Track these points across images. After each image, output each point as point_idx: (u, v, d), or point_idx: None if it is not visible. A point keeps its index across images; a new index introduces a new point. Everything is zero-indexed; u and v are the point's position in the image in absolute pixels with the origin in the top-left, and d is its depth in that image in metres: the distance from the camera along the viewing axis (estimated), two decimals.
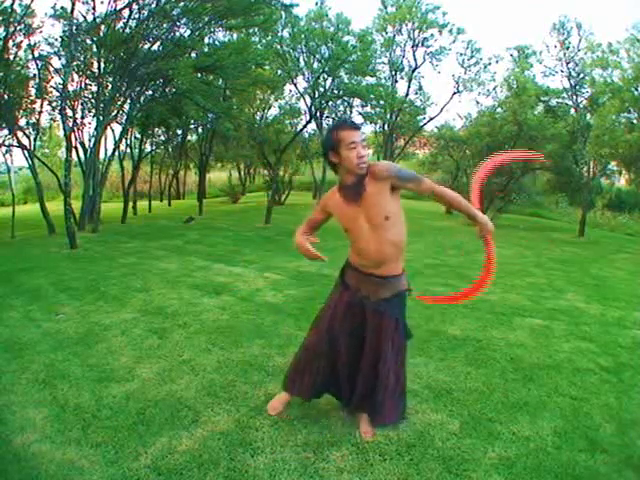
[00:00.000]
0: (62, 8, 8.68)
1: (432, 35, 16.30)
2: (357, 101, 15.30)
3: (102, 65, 8.91)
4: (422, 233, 9.22)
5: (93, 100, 9.45)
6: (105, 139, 12.28)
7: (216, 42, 10.48)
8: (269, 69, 12.51)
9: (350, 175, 1.76)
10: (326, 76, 12.57)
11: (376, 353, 1.86)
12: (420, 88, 17.50)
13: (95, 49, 8.86)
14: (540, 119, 11.19)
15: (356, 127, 1.74)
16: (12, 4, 7.44)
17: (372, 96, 12.86)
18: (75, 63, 8.63)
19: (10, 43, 8.11)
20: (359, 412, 1.99)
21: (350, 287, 1.91)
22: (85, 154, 10.21)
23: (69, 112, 8.94)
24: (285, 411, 2.11)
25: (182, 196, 20.08)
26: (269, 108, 16.78)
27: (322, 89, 13.04)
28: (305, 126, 14.06)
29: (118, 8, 8.09)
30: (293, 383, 2.07)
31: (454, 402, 2.27)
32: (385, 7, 16.61)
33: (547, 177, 13.75)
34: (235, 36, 10.67)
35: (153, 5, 8.02)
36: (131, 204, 12.27)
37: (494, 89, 14.99)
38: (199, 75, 9.74)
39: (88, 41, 8.66)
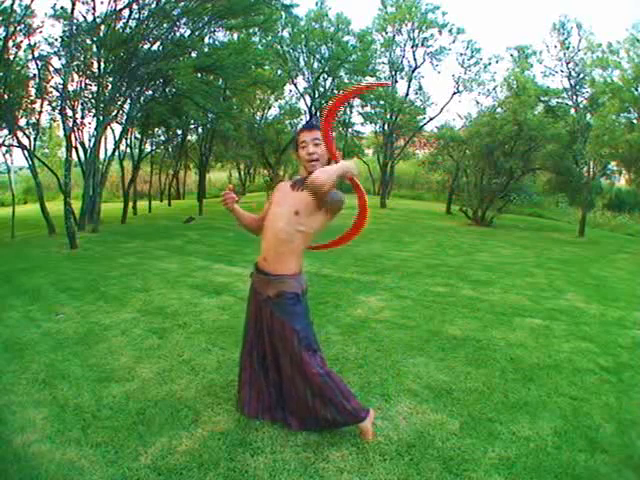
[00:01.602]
0: (62, 8, 8.69)
1: (432, 35, 16.27)
2: (357, 101, 15.31)
3: (102, 65, 8.90)
4: (422, 233, 9.22)
5: (93, 100, 9.44)
6: (105, 139, 12.28)
7: (216, 42, 10.51)
8: (269, 69, 12.52)
9: (304, 170, 1.88)
10: (326, 76, 12.60)
11: (291, 356, 1.87)
12: (420, 88, 17.48)
13: (95, 49, 8.85)
14: (540, 119, 11.19)
15: (309, 127, 1.86)
16: (12, 4, 7.43)
17: (372, 96, 12.87)
18: (75, 63, 8.64)
19: (10, 43, 8.08)
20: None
21: (255, 289, 1.98)
22: (85, 154, 10.19)
23: (69, 112, 8.92)
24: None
25: (182, 196, 20.08)
26: (269, 108, 16.81)
27: (322, 89, 13.06)
28: None
29: (118, 8, 8.10)
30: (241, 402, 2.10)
31: (454, 402, 2.27)
32: (385, 7, 16.60)
33: (547, 177, 13.76)
34: (235, 36, 10.68)
35: (153, 5, 8.03)
36: (131, 204, 12.26)
37: (494, 89, 15.00)
38: (199, 75, 9.75)
39: (88, 41, 8.66)
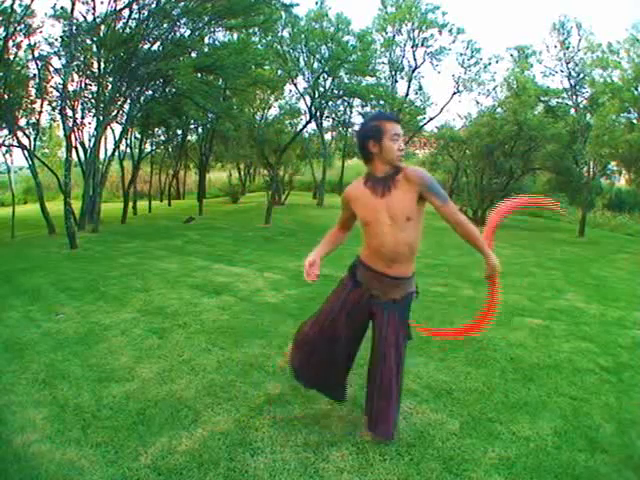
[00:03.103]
0: (62, 8, 8.70)
1: (432, 35, 16.32)
2: (357, 101, 15.31)
3: (102, 65, 8.91)
4: (422, 233, 9.20)
5: (93, 100, 9.45)
6: (105, 139, 12.28)
7: (216, 42, 10.50)
8: (269, 69, 12.51)
9: (386, 166, 1.78)
10: (326, 76, 12.60)
11: (381, 354, 1.86)
12: (420, 88, 17.52)
13: (95, 49, 8.86)
14: (540, 119, 11.20)
15: (399, 121, 1.83)
16: (12, 4, 7.43)
17: (372, 96, 12.87)
18: (75, 63, 8.62)
19: (10, 43, 8.09)
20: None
21: (361, 285, 1.89)
22: (85, 154, 10.20)
23: (69, 112, 8.91)
24: (285, 411, 2.11)
25: (182, 196, 20.06)
26: (269, 108, 16.78)
27: (322, 89, 13.06)
28: (305, 126, 14.07)
29: (118, 8, 8.10)
30: (298, 369, 2.06)
31: (454, 402, 2.27)
32: (385, 7, 16.62)
33: (547, 177, 13.76)
34: (235, 36, 10.67)
35: (153, 5, 8.02)
36: (131, 204, 12.25)
37: (494, 89, 15.05)
38: (199, 75, 9.74)
39: (88, 41, 8.66)
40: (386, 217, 1.75)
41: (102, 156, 11.01)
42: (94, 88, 9.38)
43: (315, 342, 1.97)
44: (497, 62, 15.75)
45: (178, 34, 8.92)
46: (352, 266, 1.96)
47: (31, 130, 10.16)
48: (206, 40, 10.29)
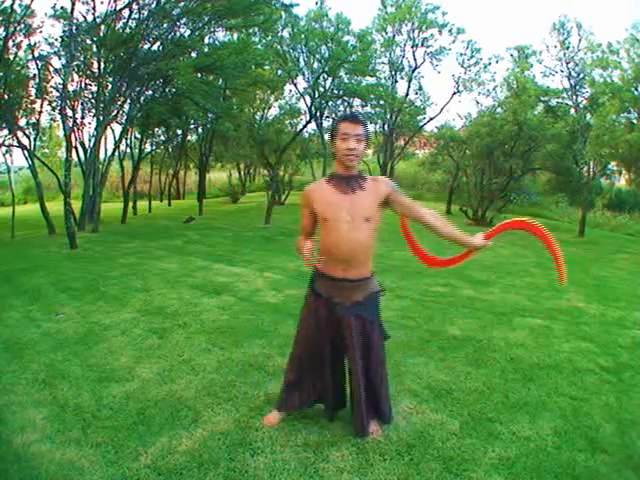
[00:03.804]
0: (62, 8, 8.69)
1: (432, 35, 16.31)
2: (357, 101, 15.29)
3: (102, 65, 8.90)
4: (422, 232, 9.21)
5: (93, 100, 9.43)
6: (105, 139, 12.28)
7: (216, 42, 10.49)
8: (269, 69, 12.50)
9: (340, 166, 1.81)
10: (326, 76, 12.57)
11: (370, 357, 1.89)
12: (420, 88, 17.51)
13: (95, 49, 8.84)
14: (540, 119, 11.19)
15: (355, 121, 1.76)
16: (12, 4, 7.43)
17: (372, 96, 12.86)
18: (75, 63, 8.62)
19: (10, 43, 8.09)
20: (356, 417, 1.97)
21: (322, 295, 1.89)
22: (85, 154, 10.19)
23: (69, 112, 8.91)
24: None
25: (182, 196, 20.05)
26: (269, 108, 16.78)
27: (322, 89, 13.03)
28: (305, 126, 14.03)
29: (118, 8, 8.09)
30: (283, 402, 2.07)
31: (454, 402, 2.27)
32: (385, 7, 16.61)
33: (547, 177, 13.75)
34: (235, 36, 10.67)
35: (153, 5, 8.02)
36: (131, 204, 12.25)
37: (494, 89, 15.02)
38: (199, 75, 9.73)
39: (88, 41, 8.65)
40: (346, 215, 1.77)
41: (102, 156, 11.01)
42: (94, 88, 9.37)
43: (301, 362, 2.00)
44: (497, 62, 15.74)
45: (178, 34, 8.91)
46: (310, 279, 1.97)
47: (31, 130, 10.16)
48: (206, 40, 10.27)
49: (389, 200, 1.81)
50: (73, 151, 8.73)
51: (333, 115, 16.63)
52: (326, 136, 16.16)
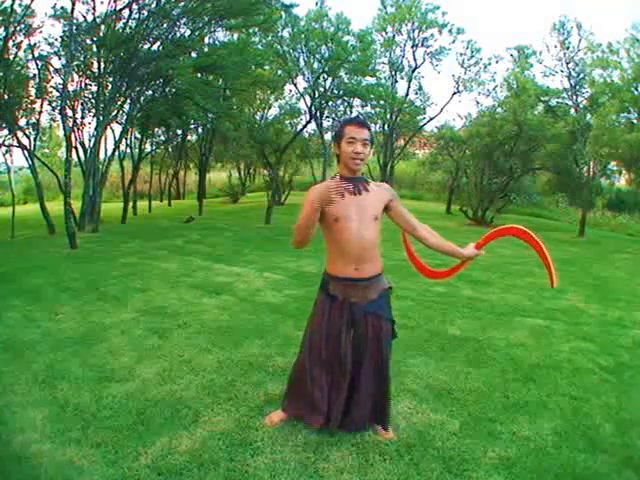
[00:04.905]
0: (62, 8, 8.69)
1: (432, 35, 16.31)
2: (357, 101, 15.29)
3: (102, 65, 8.90)
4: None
5: (93, 100, 9.43)
6: (105, 139, 12.24)
7: (216, 42, 10.49)
8: (269, 69, 12.50)
9: (345, 169, 1.82)
10: (326, 76, 12.57)
11: (380, 356, 1.89)
12: (420, 88, 17.50)
13: (95, 49, 8.84)
14: (540, 119, 11.20)
15: (362, 125, 1.78)
16: (12, 4, 7.43)
17: (372, 96, 12.86)
18: (75, 63, 8.62)
19: (10, 43, 8.09)
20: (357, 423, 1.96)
21: (337, 298, 1.87)
22: (85, 154, 10.18)
23: (69, 112, 8.93)
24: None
25: (182, 196, 20.05)
26: (269, 108, 16.78)
27: (322, 89, 13.04)
28: (305, 126, 14.05)
29: (118, 8, 8.09)
30: (290, 404, 2.06)
31: (454, 402, 2.27)
32: (385, 7, 16.61)
33: (547, 177, 13.75)
34: (235, 36, 10.67)
35: (153, 5, 8.02)
36: (131, 204, 12.25)
37: (494, 89, 15.03)
38: (199, 75, 9.74)
39: (88, 41, 8.65)
40: (355, 214, 1.79)
41: (102, 156, 11.01)
42: (94, 88, 9.36)
43: (312, 370, 1.94)
44: (497, 62, 15.75)
45: (178, 34, 8.92)
46: (322, 284, 1.96)
47: (31, 130, 10.15)
48: (206, 40, 10.28)
49: (389, 206, 1.87)
50: (73, 151, 8.74)
51: (333, 115, 16.64)
52: (326, 136, 16.22)
